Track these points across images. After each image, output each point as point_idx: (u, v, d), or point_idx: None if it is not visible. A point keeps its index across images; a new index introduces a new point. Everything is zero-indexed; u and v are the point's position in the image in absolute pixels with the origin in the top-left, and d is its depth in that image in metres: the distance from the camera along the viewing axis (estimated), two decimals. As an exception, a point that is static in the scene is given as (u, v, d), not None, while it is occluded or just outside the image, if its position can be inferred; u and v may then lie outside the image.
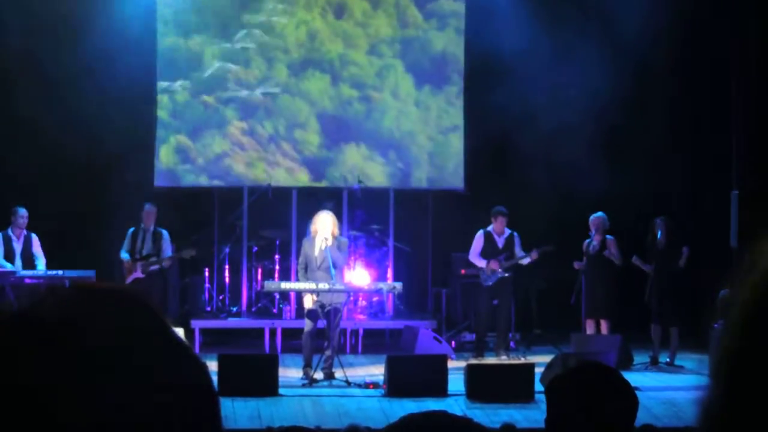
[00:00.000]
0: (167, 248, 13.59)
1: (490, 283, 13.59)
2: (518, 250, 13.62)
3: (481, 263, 13.66)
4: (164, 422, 1.05)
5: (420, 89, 15.25)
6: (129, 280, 13.38)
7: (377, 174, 15.10)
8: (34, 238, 13.54)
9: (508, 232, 13.69)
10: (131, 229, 13.62)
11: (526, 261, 13.61)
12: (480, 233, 13.73)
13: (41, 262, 13.46)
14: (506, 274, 13.56)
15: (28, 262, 13.44)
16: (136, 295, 1.11)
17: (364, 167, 15.06)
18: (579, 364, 3.04)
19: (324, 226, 11.84)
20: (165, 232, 13.62)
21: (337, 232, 11.98)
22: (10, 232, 13.48)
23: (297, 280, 12.40)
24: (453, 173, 15.40)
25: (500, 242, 13.68)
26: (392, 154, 15.24)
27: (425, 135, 15.27)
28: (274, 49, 15.11)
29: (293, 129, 15.12)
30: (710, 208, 14.95)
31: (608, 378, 2.94)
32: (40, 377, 1.02)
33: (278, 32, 15.08)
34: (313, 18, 15.16)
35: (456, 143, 15.34)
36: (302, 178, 15.04)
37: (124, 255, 13.55)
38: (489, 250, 13.66)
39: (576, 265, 13.51)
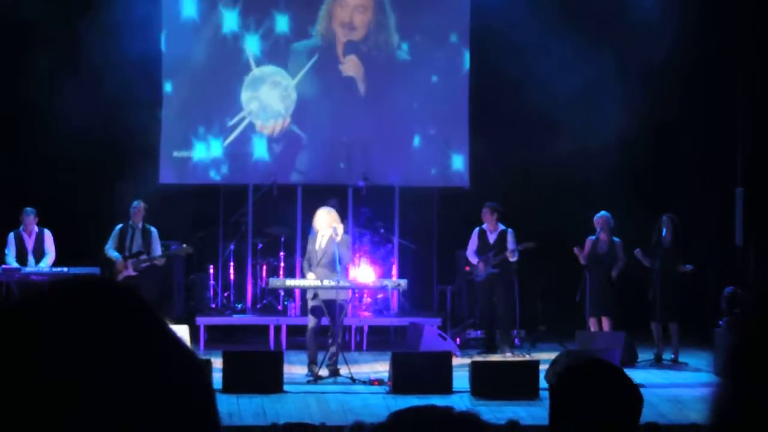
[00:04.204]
0: (157, 246, 13.52)
1: (480, 279, 13.78)
2: (510, 246, 13.68)
3: (474, 260, 13.86)
4: (160, 419, 1.04)
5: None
6: (120, 278, 13.11)
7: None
8: (47, 234, 13.59)
9: (501, 228, 13.78)
10: (119, 226, 13.46)
11: (511, 258, 13.66)
12: (475, 231, 13.93)
13: (47, 259, 13.48)
14: (495, 270, 13.64)
15: (41, 259, 13.51)
16: (133, 292, 1.11)
17: None
18: (581, 362, 3.01)
19: (320, 222, 11.84)
20: (154, 230, 13.54)
21: (340, 227, 11.92)
22: (21, 230, 13.56)
23: (302, 274, 12.34)
24: (458, 170, 15.40)
25: (492, 238, 13.83)
26: None
27: None
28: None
29: None
30: (715, 205, 14.94)
31: (611, 375, 2.93)
32: (34, 370, 1.02)
33: None
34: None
35: (462, 139, 15.35)
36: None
37: (114, 253, 13.36)
38: (482, 247, 13.80)
39: (576, 250, 13.43)
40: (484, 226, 13.90)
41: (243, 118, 15.22)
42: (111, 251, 13.41)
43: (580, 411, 2.80)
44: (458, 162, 15.43)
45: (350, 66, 15.36)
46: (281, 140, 15.27)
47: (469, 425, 1.91)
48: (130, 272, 13.31)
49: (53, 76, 14.10)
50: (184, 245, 13.69)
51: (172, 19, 15.14)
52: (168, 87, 15.11)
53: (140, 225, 13.45)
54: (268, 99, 15.28)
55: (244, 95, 15.22)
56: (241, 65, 15.23)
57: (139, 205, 13.46)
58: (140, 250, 13.39)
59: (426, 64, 15.36)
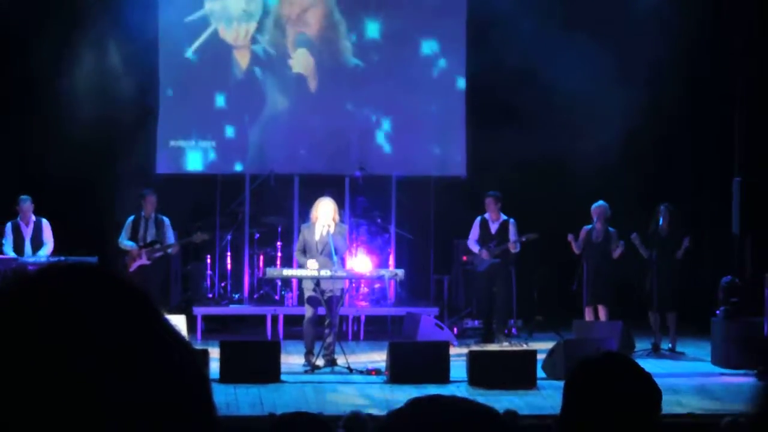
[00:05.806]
0: (170, 235, 13.57)
1: (482, 269, 13.74)
2: (512, 237, 13.68)
3: (475, 249, 13.83)
4: (155, 411, 1.03)
5: None
6: (134, 267, 13.29)
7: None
8: (45, 223, 13.51)
9: (503, 218, 13.77)
10: (131, 217, 13.50)
11: (513, 250, 13.67)
12: (477, 220, 13.89)
13: (45, 249, 13.43)
14: (497, 260, 13.64)
15: (39, 248, 13.45)
16: (126, 280, 1.09)
17: None
18: (597, 356, 2.97)
19: (325, 212, 11.82)
20: (166, 219, 13.58)
21: (337, 218, 11.96)
22: (19, 220, 13.48)
23: (297, 263, 12.31)
24: (455, 160, 15.39)
25: (494, 228, 13.81)
26: None
27: None
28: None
29: None
30: (713, 195, 14.93)
31: (628, 369, 2.88)
32: (25, 362, 1.01)
33: None
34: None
35: (458, 129, 15.34)
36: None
37: (129, 243, 13.41)
38: (484, 237, 13.77)
39: (570, 237, 13.43)
40: (486, 215, 13.84)
41: (205, 17, 15.09)
42: (126, 242, 13.44)
43: (595, 405, 2.75)
44: (455, 151, 15.40)
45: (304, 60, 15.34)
46: (244, 49, 15.16)
47: (489, 418, 1.91)
48: (144, 261, 13.34)
49: (47, 63, 14.07)
50: (199, 232, 13.70)
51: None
52: (163, 78, 15.09)
53: (152, 215, 13.47)
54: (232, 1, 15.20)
55: (208, 4, 15.14)
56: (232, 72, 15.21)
57: (151, 195, 13.45)
58: (155, 239, 13.42)
59: (423, 55, 15.34)
